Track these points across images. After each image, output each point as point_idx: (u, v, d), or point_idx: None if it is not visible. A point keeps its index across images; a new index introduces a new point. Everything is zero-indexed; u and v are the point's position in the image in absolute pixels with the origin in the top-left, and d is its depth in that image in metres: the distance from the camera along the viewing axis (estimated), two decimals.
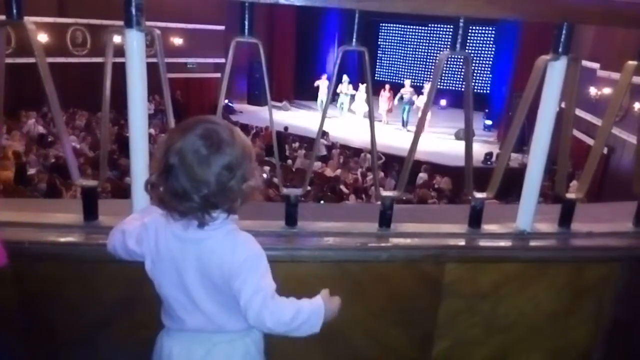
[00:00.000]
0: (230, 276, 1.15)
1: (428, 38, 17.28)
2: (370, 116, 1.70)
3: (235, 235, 1.19)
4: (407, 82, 14.08)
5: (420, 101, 13.21)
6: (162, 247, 1.19)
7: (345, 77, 14.43)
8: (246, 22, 1.42)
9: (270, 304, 1.16)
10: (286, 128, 12.56)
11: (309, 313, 1.21)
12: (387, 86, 14.28)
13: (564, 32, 1.51)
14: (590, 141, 8.96)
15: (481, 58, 16.11)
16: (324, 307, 1.23)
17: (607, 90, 9.96)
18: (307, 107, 15.94)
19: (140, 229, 1.23)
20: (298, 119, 14.47)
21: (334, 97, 14.64)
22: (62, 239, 1.49)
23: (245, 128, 13.14)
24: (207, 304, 1.20)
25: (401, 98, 13.96)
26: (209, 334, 1.25)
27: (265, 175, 8.24)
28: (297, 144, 11.80)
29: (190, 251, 1.17)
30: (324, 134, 11.32)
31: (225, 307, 1.21)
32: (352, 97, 14.69)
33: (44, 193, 6.49)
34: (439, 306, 1.68)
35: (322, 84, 14.88)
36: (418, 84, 14.29)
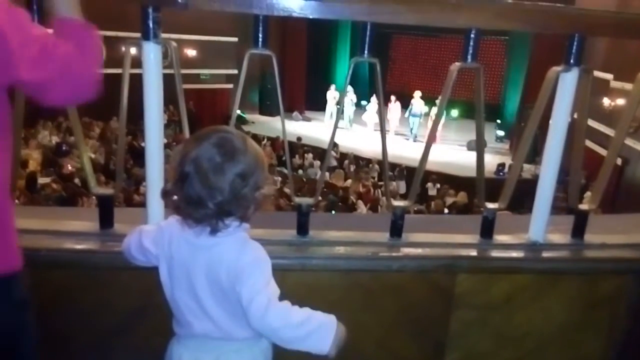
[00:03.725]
0: (235, 279, 1.16)
1: (440, 50, 17.29)
2: (382, 127, 1.71)
3: (244, 243, 1.20)
4: (417, 94, 14.07)
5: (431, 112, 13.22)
6: (174, 251, 1.21)
7: (349, 88, 14.42)
8: (260, 35, 1.44)
9: (278, 305, 1.16)
10: (299, 138, 12.62)
11: (319, 323, 1.19)
12: (393, 98, 14.25)
13: (575, 43, 1.52)
14: (604, 152, 8.87)
15: (493, 69, 16.07)
16: (336, 324, 1.20)
17: (620, 101, 9.88)
18: (318, 118, 16.00)
19: (156, 231, 1.26)
20: (309, 129, 14.53)
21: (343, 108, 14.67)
22: (79, 247, 1.51)
23: (256, 138, 13.25)
24: (215, 311, 1.21)
25: (410, 110, 13.97)
26: (217, 342, 1.25)
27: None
28: (310, 155, 11.82)
29: (201, 257, 1.19)
30: (334, 145, 11.36)
31: (232, 315, 1.22)
32: (356, 106, 14.73)
33: (59, 202, 6.58)
34: (450, 317, 1.67)
35: (331, 94, 14.95)
36: (429, 96, 14.27)
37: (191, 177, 1.10)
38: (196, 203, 1.11)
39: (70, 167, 7.99)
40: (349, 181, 9.83)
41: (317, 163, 11.14)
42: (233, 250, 1.18)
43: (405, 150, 11.85)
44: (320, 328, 1.18)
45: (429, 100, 13.60)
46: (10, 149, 1.12)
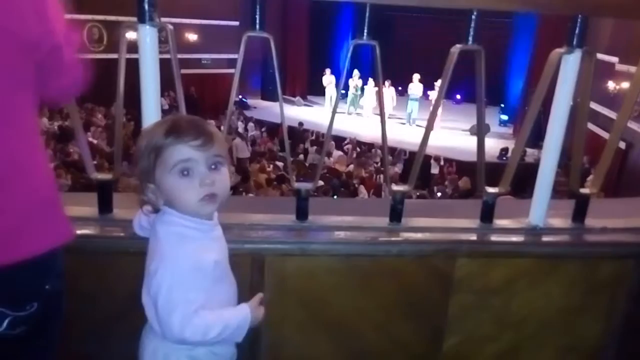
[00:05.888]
0: (150, 282, 1.11)
1: (443, 32, 17.07)
2: (381, 110, 1.70)
3: (172, 241, 1.12)
4: (416, 77, 13.91)
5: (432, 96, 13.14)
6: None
7: (355, 72, 14.33)
8: (257, 17, 1.42)
9: (193, 321, 1.08)
10: (301, 124, 12.57)
11: (235, 326, 1.16)
12: (387, 83, 14.11)
13: (578, 24, 1.49)
14: (608, 137, 8.81)
15: (497, 51, 15.88)
16: (250, 317, 1.19)
17: (625, 85, 9.78)
18: (321, 103, 15.93)
19: None
20: (311, 114, 14.47)
21: (346, 92, 14.59)
22: (78, 232, 1.51)
23: (259, 123, 13.23)
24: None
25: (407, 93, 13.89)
26: (158, 336, 1.19)
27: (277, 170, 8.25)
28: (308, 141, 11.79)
29: (152, 233, 1.19)
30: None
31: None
32: (362, 91, 14.62)
33: (65, 189, 6.59)
34: (449, 301, 1.67)
35: (327, 79, 14.83)
36: (431, 79, 14.11)
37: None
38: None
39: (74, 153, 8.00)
40: (352, 166, 9.83)
41: (337, 152, 11.04)
42: (160, 240, 1.12)
43: (403, 134, 11.81)
44: (236, 329, 1.17)
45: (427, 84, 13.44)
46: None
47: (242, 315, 1.19)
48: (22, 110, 1.04)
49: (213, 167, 1.11)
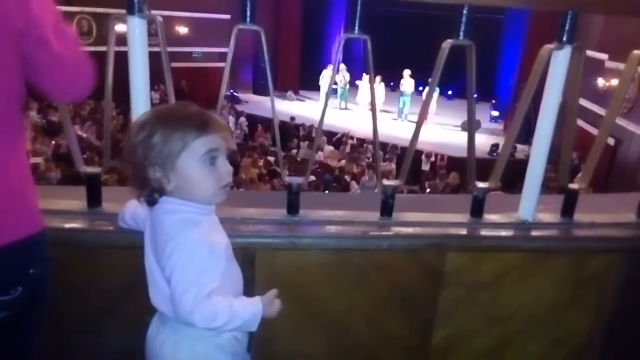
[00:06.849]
0: (165, 263, 1.11)
1: (434, 28, 17.08)
2: (373, 105, 1.70)
3: (178, 225, 1.12)
4: (407, 73, 13.90)
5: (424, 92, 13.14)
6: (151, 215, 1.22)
7: (342, 66, 14.31)
8: (248, 9, 1.41)
9: (204, 305, 1.08)
10: (292, 118, 12.54)
11: (244, 319, 1.15)
12: (378, 78, 14.06)
13: (568, 20, 1.50)
14: (597, 133, 8.86)
15: (489, 47, 15.91)
16: (261, 312, 1.17)
17: (615, 82, 9.85)
18: (313, 97, 15.89)
19: None
20: (303, 109, 14.43)
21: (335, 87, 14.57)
22: (67, 225, 1.50)
23: (250, 118, 13.18)
24: (164, 286, 1.15)
25: (399, 89, 13.88)
26: (177, 323, 1.17)
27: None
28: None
29: (151, 227, 1.19)
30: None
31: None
32: (350, 85, 14.60)
33: (54, 182, 6.54)
34: (439, 295, 1.68)
35: (327, 74, 14.81)
36: (423, 75, 14.11)
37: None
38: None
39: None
40: (343, 161, 9.83)
41: (328, 147, 11.01)
42: (168, 231, 1.12)
43: (395, 129, 11.83)
44: (244, 323, 1.16)
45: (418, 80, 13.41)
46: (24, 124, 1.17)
47: (252, 310, 1.17)
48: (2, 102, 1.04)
49: (229, 159, 1.16)
